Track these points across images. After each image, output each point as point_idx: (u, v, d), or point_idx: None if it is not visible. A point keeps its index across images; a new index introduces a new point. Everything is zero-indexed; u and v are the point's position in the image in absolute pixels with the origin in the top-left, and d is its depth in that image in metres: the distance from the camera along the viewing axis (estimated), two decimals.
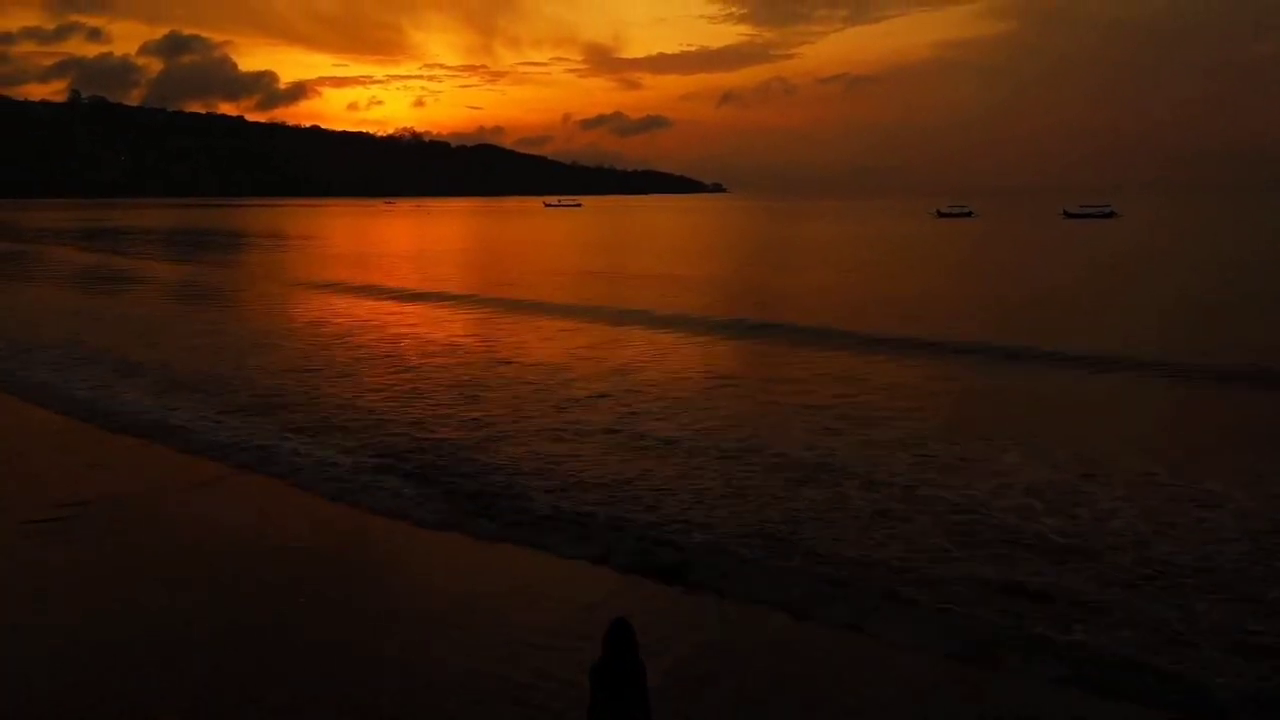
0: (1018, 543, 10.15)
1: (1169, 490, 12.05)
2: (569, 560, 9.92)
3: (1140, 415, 17.60)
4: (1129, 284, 41.03)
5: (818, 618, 8.51)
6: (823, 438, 14.59)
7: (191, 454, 14.02)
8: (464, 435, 14.69)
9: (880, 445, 14.18)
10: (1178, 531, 10.50)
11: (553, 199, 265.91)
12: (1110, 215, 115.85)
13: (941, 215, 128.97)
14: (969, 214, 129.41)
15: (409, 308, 32.26)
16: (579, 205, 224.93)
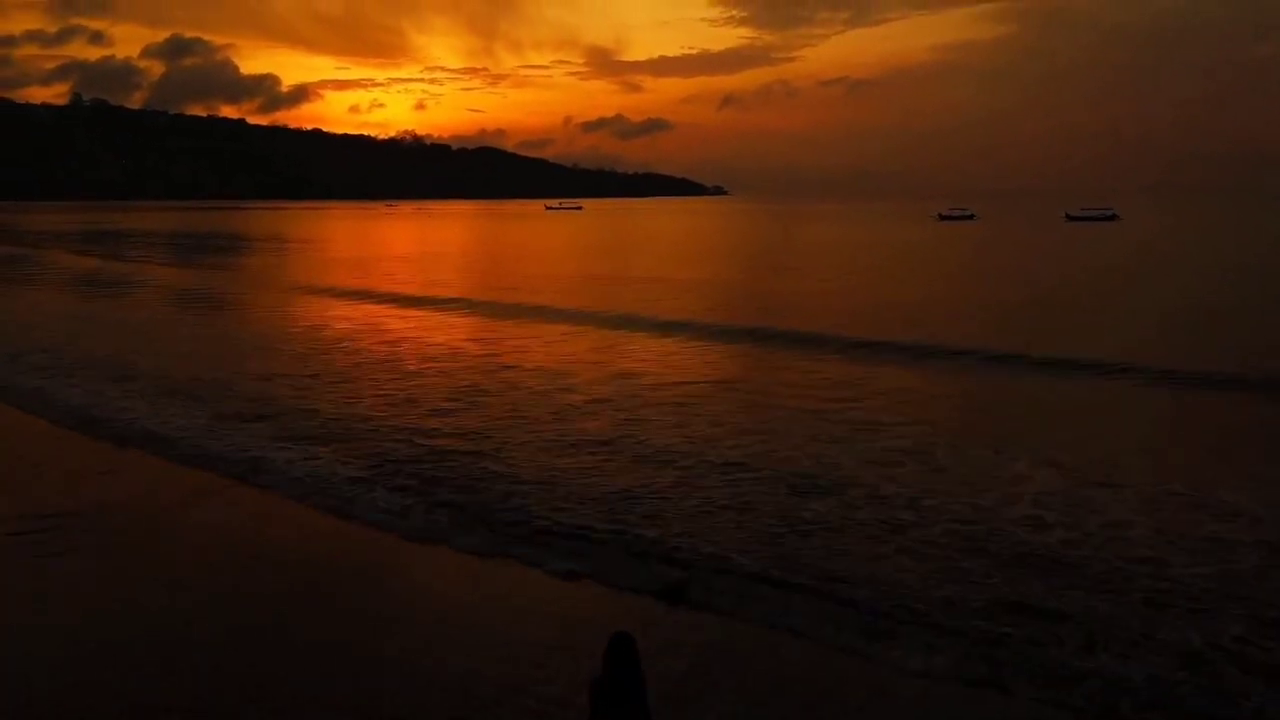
0: (1029, 557, 9.86)
1: (1181, 500, 11.77)
2: (567, 574, 9.63)
3: (1148, 422, 17.33)
4: (1134, 288, 40.76)
5: (822, 638, 8.22)
6: (827, 446, 14.32)
7: (183, 464, 13.74)
8: (461, 444, 14.41)
9: (886, 453, 13.91)
10: (1191, 543, 10.23)
11: (554, 202, 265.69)
12: (1112, 218, 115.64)
13: (943, 218, 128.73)
14: (971, 217, 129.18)
15: (408, 312, 32.01)
16: (580, 208, 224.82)
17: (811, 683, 7.65)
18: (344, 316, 31.00)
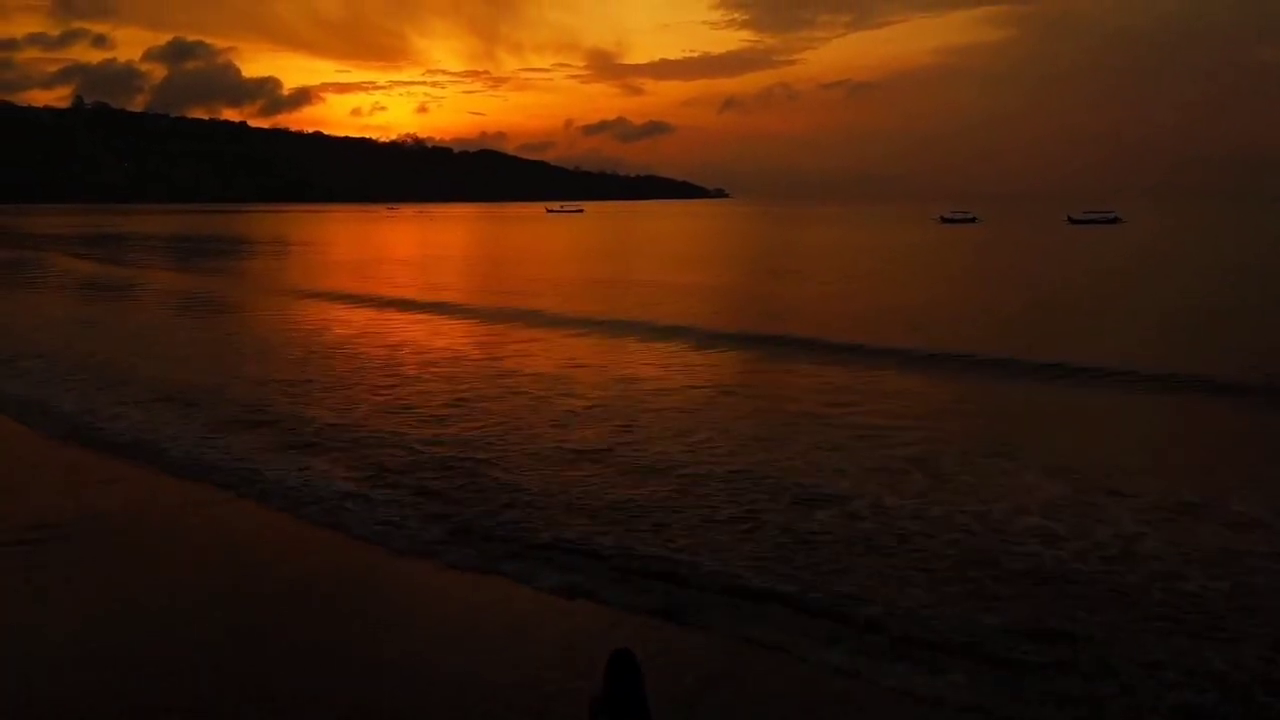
0: (1040, 572, 9.56)
1: (1192, 510, 11.50)
2: (564, 590, 9.34)
3: (1155, 428, 17.07)
4: (1137, 291, 40.48)
5: (826, 660, 7.89)
6: (831, 454, 14.04)
7: (175, 474, 13.47)
8: (458, 453, 14.12)
9: (891, 461, 13.63)
10: (1205, 555, 9.95)
11: (555, 204, 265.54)
12: (1115, 221, 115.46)
13: (945, 221, 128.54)
14: (973, 220, 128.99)
15: (408, 317, 31.78)
16: (581, 211, 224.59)
17: (815, 705, 7.37)
18: (343, 321, 30.75)
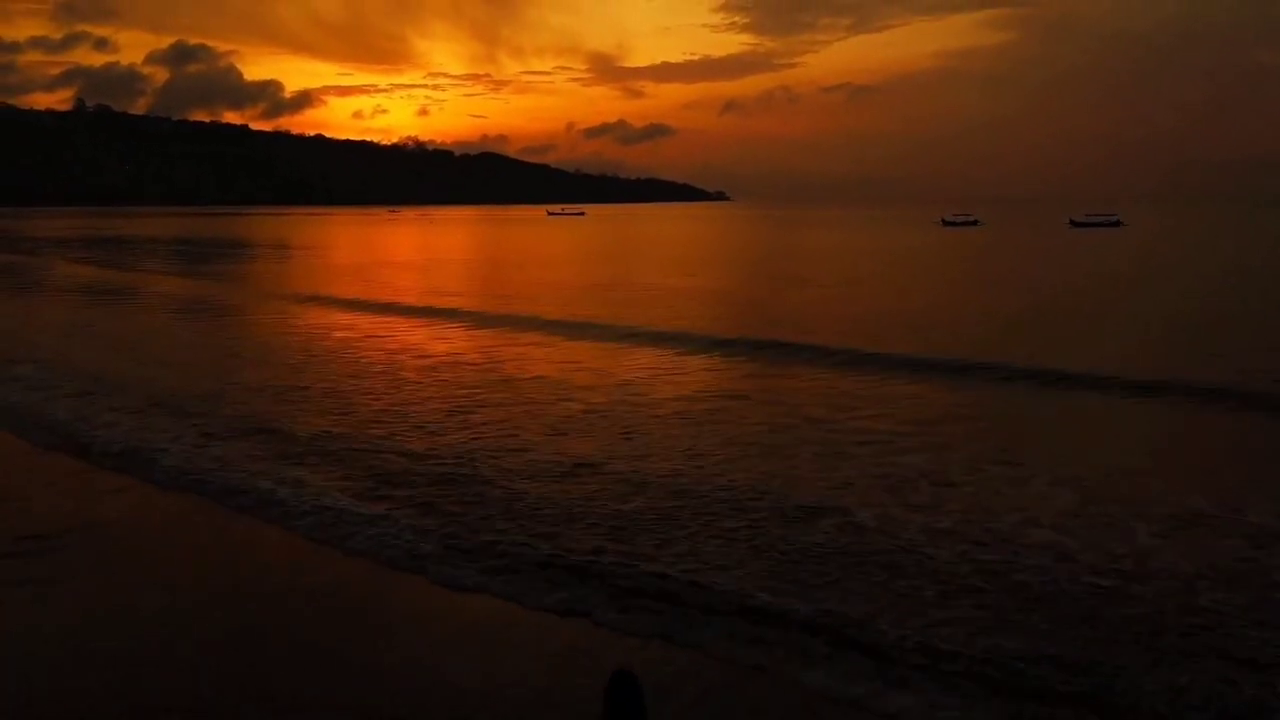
0: (1055, 590, 9.23)
1: (1208, 522, 11.21)
2: (558, 608, 9.03)
3: (1166, 437, 16.78)
4: (1142, 296, 40.25)
5: (829, 686, 7.54)
6: (835, 464, 13.76)
7: (165, 484, 13.18)
8: (454, 466, 13.81)
9: (896, 471, 13.34)
10: (1227, 573, 9.64)
11: (556, 207, 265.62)
12: (1117, 224, 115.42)
13: (946, 224, 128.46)
14: (975, 223, 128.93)
15: (407, 321, 31.53)
16: (582, 214, 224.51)
17: None
18: (342, 325, 30.49)
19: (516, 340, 26.84)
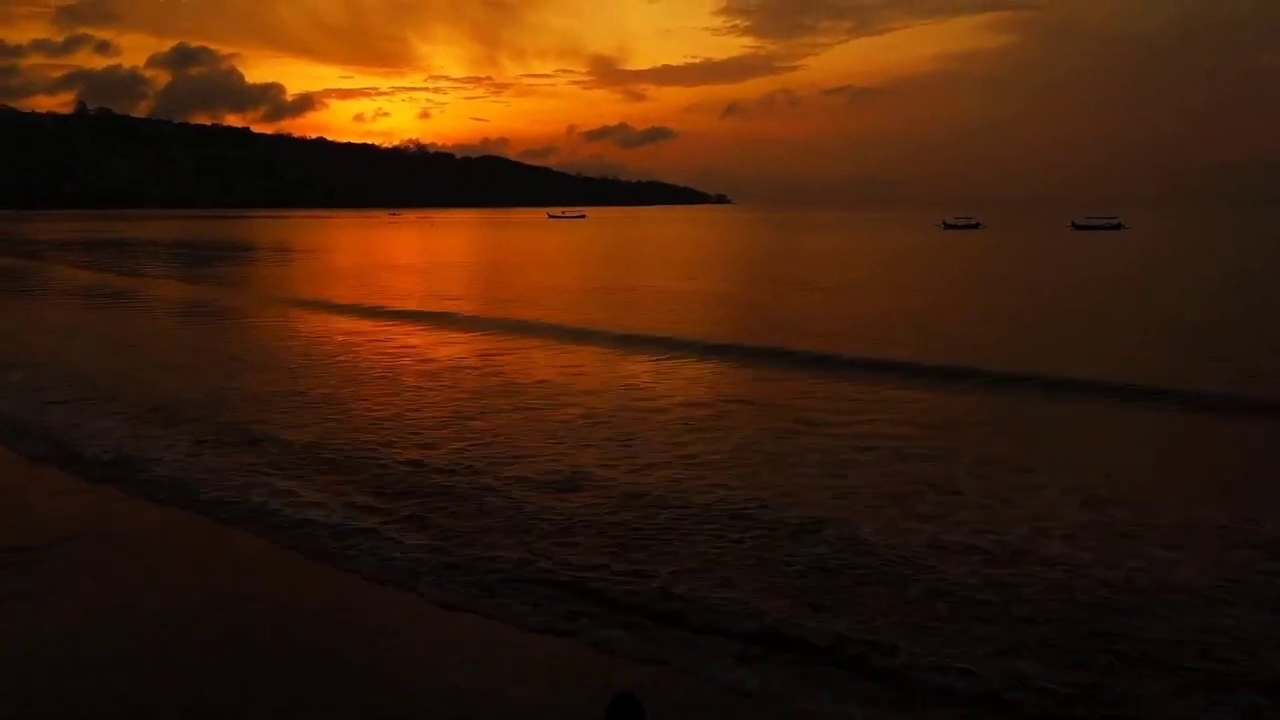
0: (1070, 609, 8.90)
1: (1223, 534, 10.92)
2: (552, 628, 8.74)
3: (1176, 445, 16.48)
4: (1146, 300, 39.98)
5: (837, 715, 7.22)
6: (840, 475, 13.46)
7: (157, 494, 12.91)
8: (450, 479, 13.48)
9: (902, 482, 13.04)
10: (1246, 587, 9.34)
11: (557, 210, 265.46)
12: (1118, 227, 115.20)
13: (948, 227, 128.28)
14: (976, 226, 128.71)
15: (406, 326, 31.26)
16: (583, 216, 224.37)
17: None
18: (341, 330, 30.23)
19: (517, 345, 26.58)
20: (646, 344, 26.29)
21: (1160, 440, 16.77)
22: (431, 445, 15.18)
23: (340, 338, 28.19)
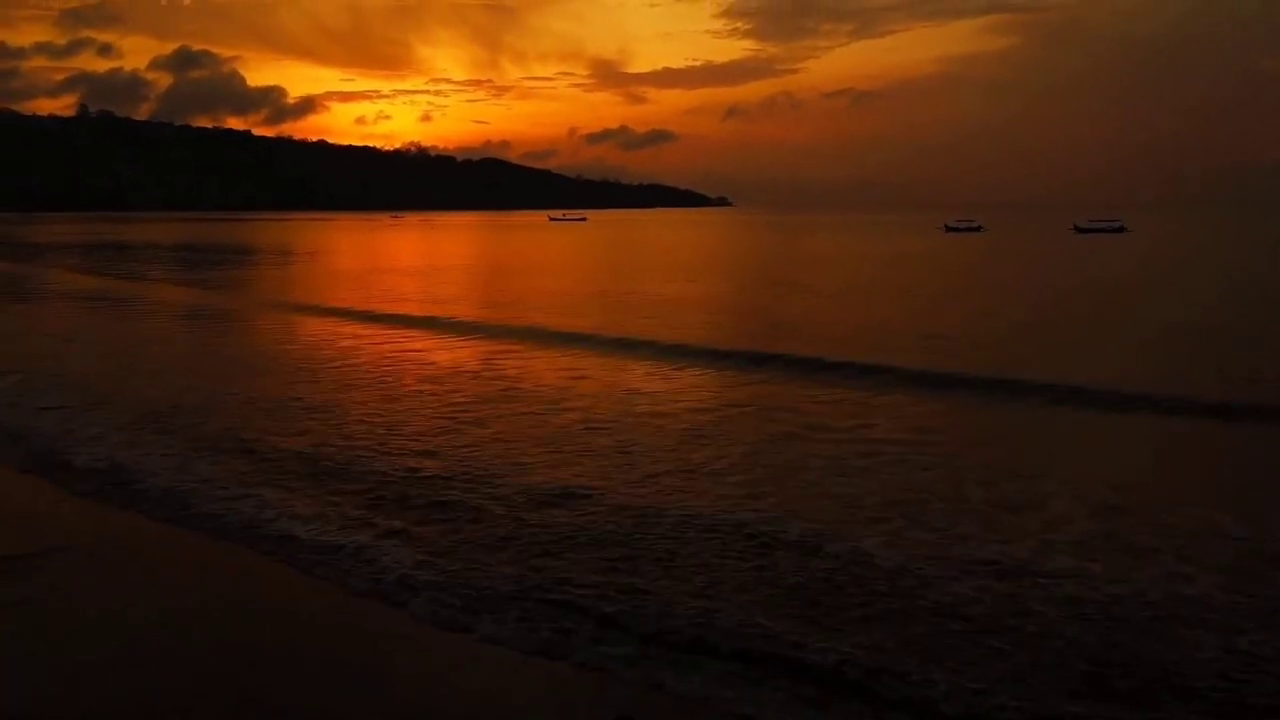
0: (1084, 628, 8.62)
1: (1240, 546, 10.68)
2: (545, 649, 8.48)
3: (1186, 454, 16.23)
4: (1149, 303, 39.75)
5: None
6: (844, 486, 13.19)
7: (149, 506, 12.67)
8: (446, 489, 13.21)
9: (907, 490, 12.80)
10: (1267, 603, 9.09)
11: (558, 213, 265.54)
12: (1120, 230, 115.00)
13: (950, 230, 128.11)
14: (978, 228, 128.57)
15: (407, 331, 31.02)
16: (584, 219, 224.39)
17: None
18: (341, 335, 29.98)
19: (517, 350, 26.33)
20: (647, 348, 26.03)
21: (1167, 447, 16.52)
22: (429, 453, 14.94)
23: (340, 342, 27.96)
